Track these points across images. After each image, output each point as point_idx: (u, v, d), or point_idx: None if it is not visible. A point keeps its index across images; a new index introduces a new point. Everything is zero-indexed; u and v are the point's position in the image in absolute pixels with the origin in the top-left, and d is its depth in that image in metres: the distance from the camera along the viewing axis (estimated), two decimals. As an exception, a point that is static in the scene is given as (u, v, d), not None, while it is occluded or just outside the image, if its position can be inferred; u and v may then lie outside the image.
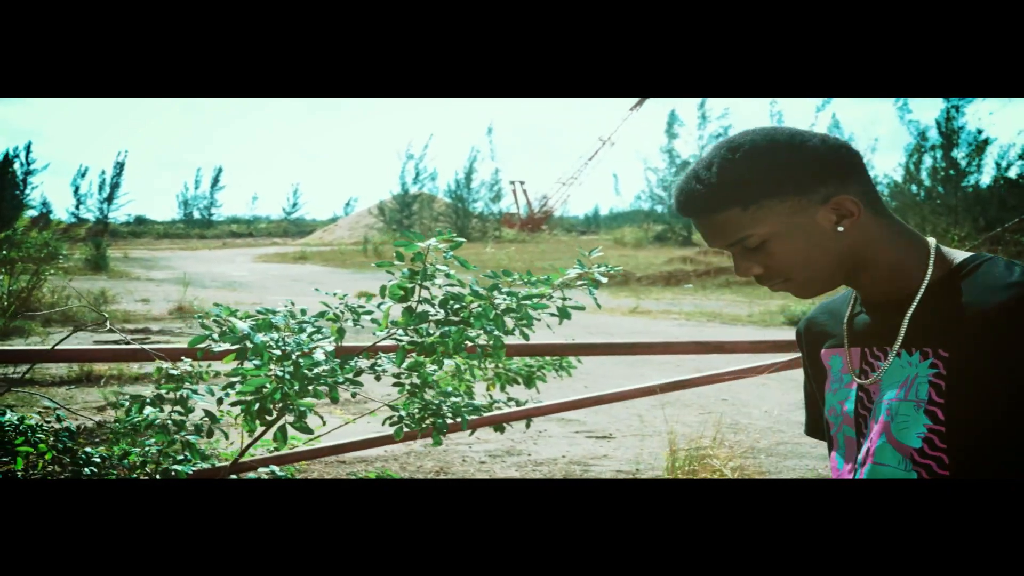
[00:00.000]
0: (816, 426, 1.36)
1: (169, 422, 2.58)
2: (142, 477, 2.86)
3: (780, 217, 1.12)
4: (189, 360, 2.67)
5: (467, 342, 2.51)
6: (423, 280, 2.47)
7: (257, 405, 2.33)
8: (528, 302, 2.53)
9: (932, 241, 1.18)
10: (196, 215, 59.59)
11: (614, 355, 7.04)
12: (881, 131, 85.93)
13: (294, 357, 2.40)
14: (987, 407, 1.05)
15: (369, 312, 2.66)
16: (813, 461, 5.21)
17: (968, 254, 1.16)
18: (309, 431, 2.37)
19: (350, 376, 2.49)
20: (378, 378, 2.74)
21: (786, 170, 1.12)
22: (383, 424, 2.84)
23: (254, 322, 2.50)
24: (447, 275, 2.50)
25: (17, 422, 2.94)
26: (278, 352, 2.41)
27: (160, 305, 13.82)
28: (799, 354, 1.39)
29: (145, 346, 2.81)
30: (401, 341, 2.57)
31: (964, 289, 1.10)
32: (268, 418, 2.38)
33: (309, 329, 2.58)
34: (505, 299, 2.52)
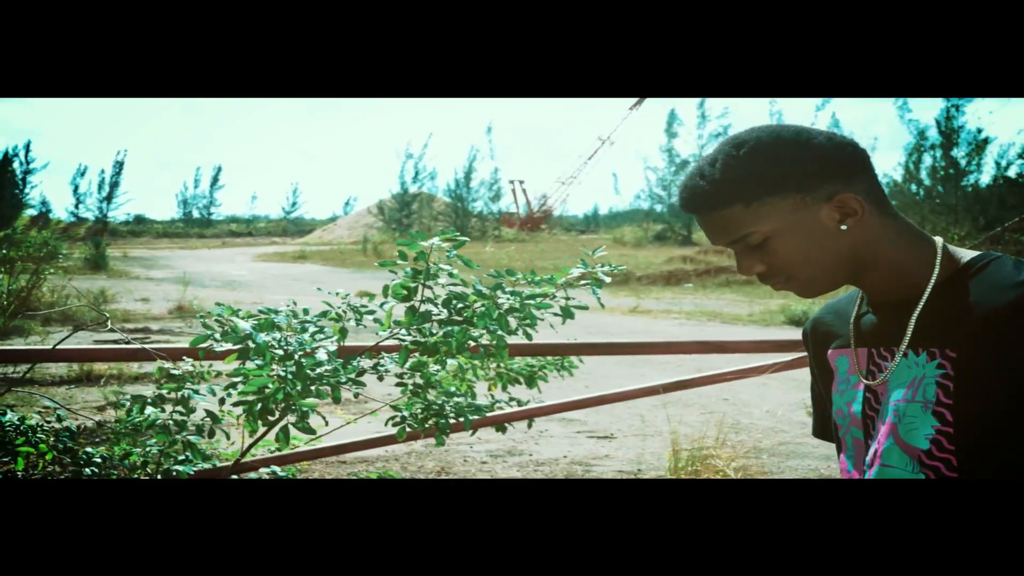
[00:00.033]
0: (824, 428, 1.34)
1: (170, 422, 2.58)
2: (143, 477, 2.86)
3: (783, 214, 1.11)
4: (190, 360, 2.67)
5: (470, 342, 2.51)
6: (426, 279, 2.47)
7: (259, 405, 2.33)
8: (532, 301, 2.52)
9: (939, 240, 1.16)
10: (195, 214, 59.58)
11: (616, 355, 7.04)
12: (881, 130, 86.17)
13: (296, 357, 2.40)
14: (996, 408, 1.04)
15: (372, 312, 2.66)
16: (815, 461, 5.21)
17: (976, 253, 1.14)
18: (311, 431, 2.36)
19: (353, 376, 2.49)
20: (381, 378, 2.74)
21: (789, 167, 1.11)
22: (386, 424, 2.83)
23: (256, 322, 2.49)
24: (450, 274, 2.50)
25: (17, 422, 2.93)
26: (280, 352, 2.41)
27: (160, 304, 13.81)
28: (801, 354, 1.39)
29: (146, 346, 2.81)
30: (404, 341, 2.57)
31: (972, 289, 1.09)
32: (270, 418, 2.38)
33: (312, 329, 2.57)
34: (509, 299, 2.51)
